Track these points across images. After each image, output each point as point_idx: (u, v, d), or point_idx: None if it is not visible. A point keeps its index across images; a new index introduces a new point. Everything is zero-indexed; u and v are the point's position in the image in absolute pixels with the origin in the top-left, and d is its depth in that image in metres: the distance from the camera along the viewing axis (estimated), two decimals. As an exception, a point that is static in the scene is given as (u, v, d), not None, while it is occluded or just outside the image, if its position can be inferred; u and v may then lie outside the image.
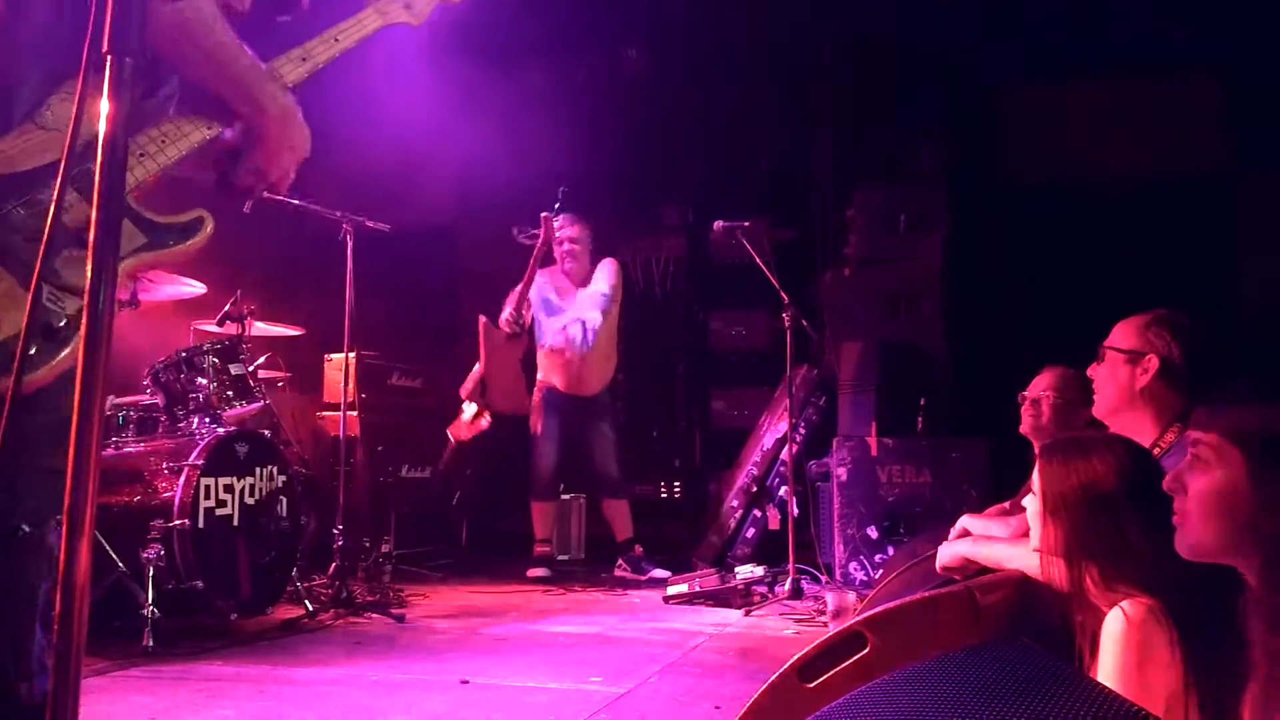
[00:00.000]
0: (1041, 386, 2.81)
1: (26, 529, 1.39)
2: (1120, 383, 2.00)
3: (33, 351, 1.32)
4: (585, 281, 5.22)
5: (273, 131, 1.60)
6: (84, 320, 0.82)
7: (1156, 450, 1.88)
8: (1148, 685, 1.40)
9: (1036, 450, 2.72)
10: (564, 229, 5.16)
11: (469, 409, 4.83)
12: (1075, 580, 1.57)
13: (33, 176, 1.39)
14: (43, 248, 1.06)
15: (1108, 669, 1.45)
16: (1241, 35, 5.07)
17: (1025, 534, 2.00)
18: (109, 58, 0.91)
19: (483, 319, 4.91)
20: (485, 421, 4.82)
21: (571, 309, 5.14)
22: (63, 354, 1.35)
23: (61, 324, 1.36)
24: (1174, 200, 5.25)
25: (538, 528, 5.19)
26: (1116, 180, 5.41)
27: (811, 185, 6.10)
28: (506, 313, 4.92)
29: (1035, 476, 1.68)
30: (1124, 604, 1.46)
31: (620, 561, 5.12)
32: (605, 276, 5.17)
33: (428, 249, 6.43)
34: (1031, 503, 1.69)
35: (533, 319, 5.16)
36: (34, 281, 1.12)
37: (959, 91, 5.62)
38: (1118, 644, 1.44)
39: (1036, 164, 5.70)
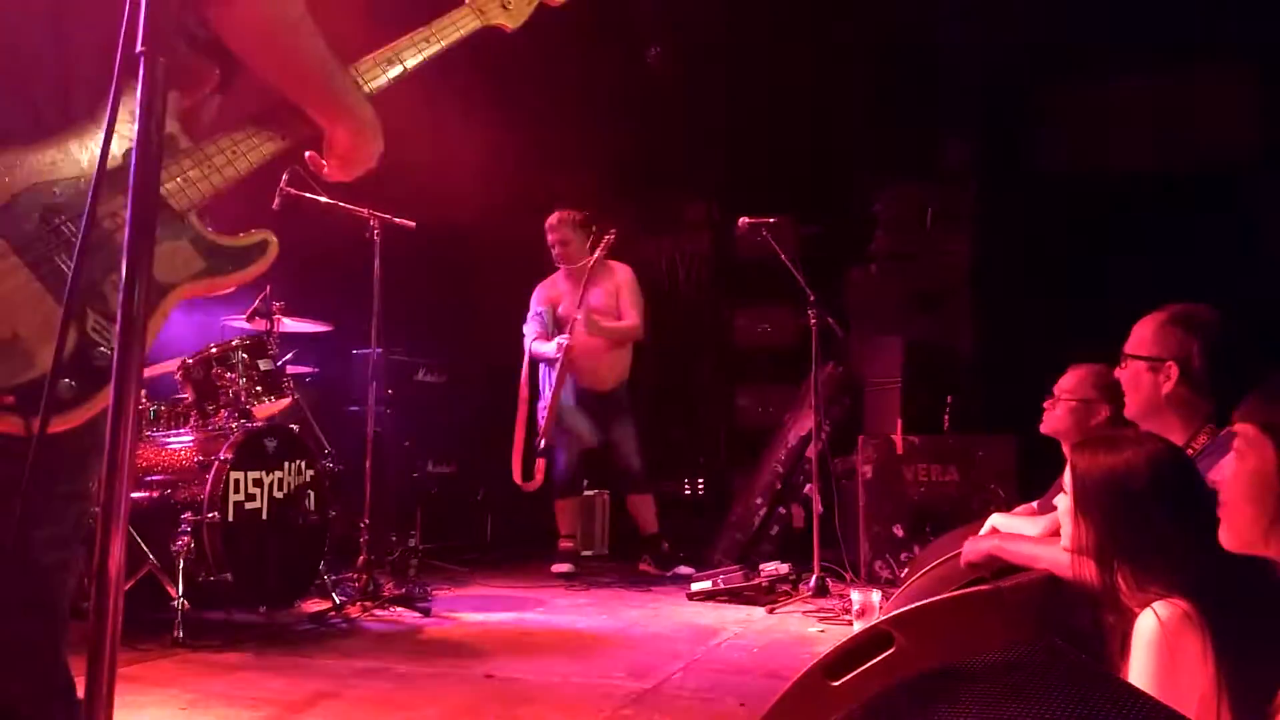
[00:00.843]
0: (1061, 386, 2.80)
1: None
2: (1144, 391, 1.98)
3: (67, 388, 1.18)
4: (580, 269, 5.17)
5: (345, 144, 1.49)
6: (119, 316, 0.83)
7: (1190, 452, 1.86)
8: (1179, 687, 1.39)
9: (1065, 449, 2.70)
10: (552, 220, 5.20)
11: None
12: (1106, 580, 1.56)
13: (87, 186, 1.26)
14: (75, 262, 1.05)
15: (1139, 670, 1.43)
16: (1281, 26, 4.98)
17: (1055, 533, 1.98)
18: (142, 58, 0.92)
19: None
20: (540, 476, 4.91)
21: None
22: (101, 392, 1.19)
23: (103, 358, 1.20)
24: (1208, 195, 5.18)
25: (561, 524, 5.21)
26: (1149, 174, 5.34)
27: (838, 181, 6.06)
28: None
29: (1066, 475, 1.67)
30: (1156, 605, 1.44)
31: (645, 557, 5.13)
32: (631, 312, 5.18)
33: (453, 246, 6.46)
34: (1063, 501, 1.68)
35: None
36: (65, 307, 1.06)
37: (988, 85, 5.57)
38: (1149, 645, 1.42)
39: (1066, 158, 5.63)
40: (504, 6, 1.72)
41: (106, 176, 1.20)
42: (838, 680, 1.71)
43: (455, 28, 1.65)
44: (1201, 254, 4.94)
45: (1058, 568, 1.76)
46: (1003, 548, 2.02)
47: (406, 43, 1.59)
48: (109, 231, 1.23)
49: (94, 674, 0.89)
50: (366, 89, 1.52)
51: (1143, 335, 2.00)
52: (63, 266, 1.20)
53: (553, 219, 5.21)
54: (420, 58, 1.60)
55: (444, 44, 1.63)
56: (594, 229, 5.22)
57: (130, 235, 0.87)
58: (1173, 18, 5.10)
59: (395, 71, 1.56)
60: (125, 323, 0.84)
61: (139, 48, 0.92)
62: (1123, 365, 2.04)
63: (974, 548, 2.12)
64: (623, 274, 5.20)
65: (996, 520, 2.59)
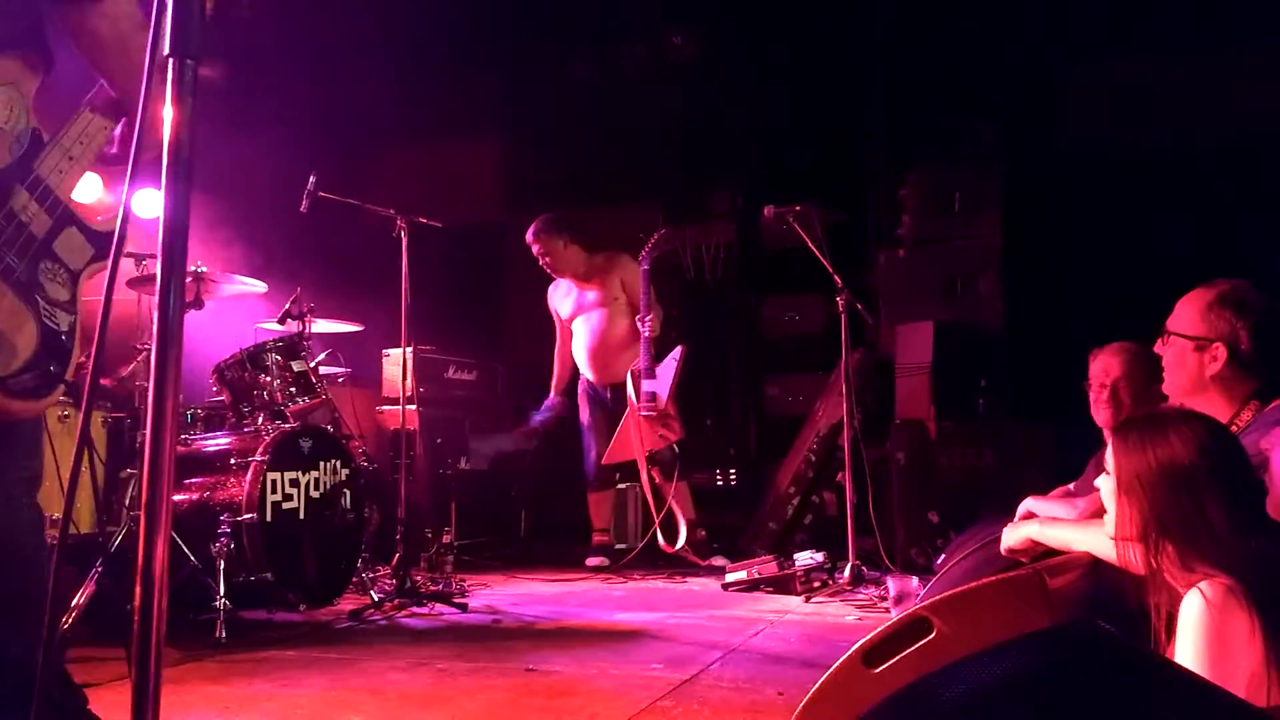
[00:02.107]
0: (1092, 374, 2.78)
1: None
2: (1189, 371, 1.96)
3: (52, 369, 1.32)
4: (582, 275, 5.24)
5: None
6: (155, 322, 0.84)
7: (1234, 428, 1.83)
8: (1228, 666, 1.37)
9: (1105, 431, 2.68)
10: (532, 242, 5.20)
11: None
12: (1152, 561, 1.54)
13: None
14: (110, 271, 1.07)
15: (1186, 650, 1.41)
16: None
17: (1092, 515, 1.96)
18: (171, 61, 0.92)
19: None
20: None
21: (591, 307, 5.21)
22: (70, 367, 1.37)
23: (66, 339, 1.37)
24: (1243, 172, 5.07)
25: (595, 517, 5.23)
26: (1182, 153, 5.24)
27: (864, 166, 6.01)
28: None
29: (1108, 456, 1.64)
30: (1202, 584, 1.42)
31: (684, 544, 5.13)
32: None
33: (479, 244, 6.50)
34: (1105, 483, 1.65)
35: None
36: (103, 314, 1.12)
37: (1016, 65, 5.49)
38: (1197, 625, 1.40)
39: (1097, 137, 5.54)
40: None
41: (9, 169, 1.28)
42: (877, 667, 1.70)
43: None
44: (1241, 231, 4.85)
45: (1097, 550, 1.73)
46: (1043, 533, 1.99)
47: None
48: (24, 224, 1.30)
49: (141, 675, 0.90)
50: None
51: (1189, 314, 1.97)
52: (6, 260, 1.31)
53: (529, 236, 5.20)
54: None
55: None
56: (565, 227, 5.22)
57: (164, 239, 0.87)
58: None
59: None
60: (162, 329, 0.85)
61: (166, 51, 0.92)
62: (1164, 341, 2.01)
63: (1013, 535, 2.10)
64: (625, 266, 5.19)
65: (1031, 504, 2.56)
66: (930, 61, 5.58)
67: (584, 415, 5.28)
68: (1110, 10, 5.28)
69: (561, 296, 5.33)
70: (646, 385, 4.96)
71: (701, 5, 6.15)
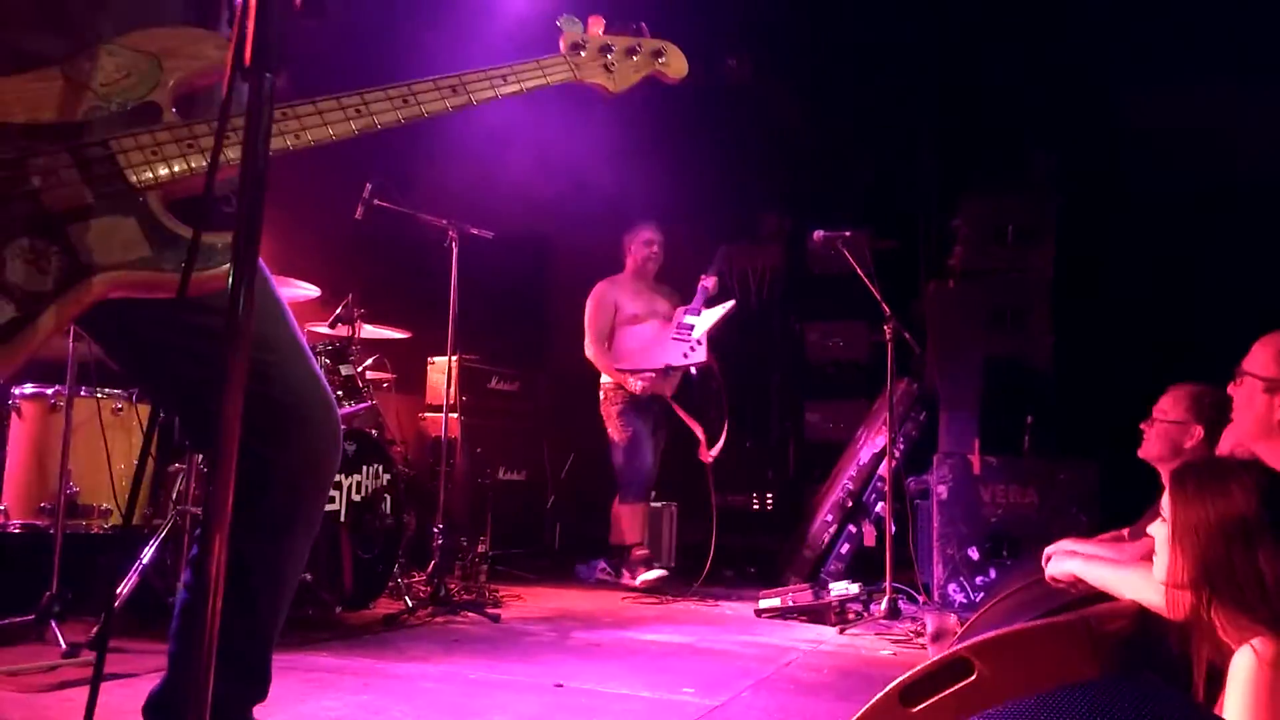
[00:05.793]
0: (1157, 407, 2.73)
1: None
2: (1258, 412, 1.91)
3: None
4: (654, 283, 5.40)
5: None
6: (227, 323, 0.86)
7: None
8: (1279, 728, 1.33)
9: (1162, 475, 2.63)
10: (655, 233, 5.36)
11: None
12: (1201, 613, 1.50)
13: (23, 132, 1.22)
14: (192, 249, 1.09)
15: (1235, 708, 1.38)
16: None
17: (1139, 560, 1.92)
18: (251, 73, 0.94)
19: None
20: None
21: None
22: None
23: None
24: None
25: (629, 532, 5.06)
26: (1242, 188, 5.13)
27: (916, 194, 5.97)
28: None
29: (1165, 502, 1.61)
30: (1255, 642, 1.39)
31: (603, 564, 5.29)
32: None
33: (526, 256, 6.54)
34: (1160, 530, 1.62)
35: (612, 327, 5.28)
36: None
37: (1073, 96, 5.43)
38: (1248, 683, 1.37)
39: (1157, 170, 5.45)
40: (606, 68, 1.68)
41: (52, 128, 1.22)
42: (914, 706, 1.68)
43: (540, 74, 1.61)
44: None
45: (1138, 595, 1.70)
46: (1085, 570, 1.97)
47: (478, 76, 1.54)
48: (33, 189, 1.20)
49: (194, 670, 0.91)
50: (422, 111, 1.48)
51: (1264, 355, 1.93)
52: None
53: (654, 228, 5.42)
54: (492, 95, 1.55)
55: (523, 87, 1.58)
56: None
57: (237, 245, 0.89)
58: (1265, 22, 4.91)
59: (459, 101, 1.51)
60: (231, 332, 0.87)
61: (247, 63, 0.95)
62: (1238, 382, 1.97)
63: (1058, 565, 2.08)
64: (672, 295, 5.41)
65: (1068, 547, 2.51)
66: (988, 89, 5.54)
67: (629, 426, 5.10)
68: (1173, 41, 5.20)
69: (631, 295, 5.30)
70: (686, 318, 5.11)
71: (757, 28, 6.16)
